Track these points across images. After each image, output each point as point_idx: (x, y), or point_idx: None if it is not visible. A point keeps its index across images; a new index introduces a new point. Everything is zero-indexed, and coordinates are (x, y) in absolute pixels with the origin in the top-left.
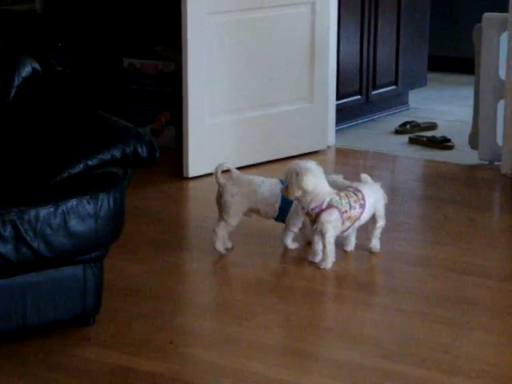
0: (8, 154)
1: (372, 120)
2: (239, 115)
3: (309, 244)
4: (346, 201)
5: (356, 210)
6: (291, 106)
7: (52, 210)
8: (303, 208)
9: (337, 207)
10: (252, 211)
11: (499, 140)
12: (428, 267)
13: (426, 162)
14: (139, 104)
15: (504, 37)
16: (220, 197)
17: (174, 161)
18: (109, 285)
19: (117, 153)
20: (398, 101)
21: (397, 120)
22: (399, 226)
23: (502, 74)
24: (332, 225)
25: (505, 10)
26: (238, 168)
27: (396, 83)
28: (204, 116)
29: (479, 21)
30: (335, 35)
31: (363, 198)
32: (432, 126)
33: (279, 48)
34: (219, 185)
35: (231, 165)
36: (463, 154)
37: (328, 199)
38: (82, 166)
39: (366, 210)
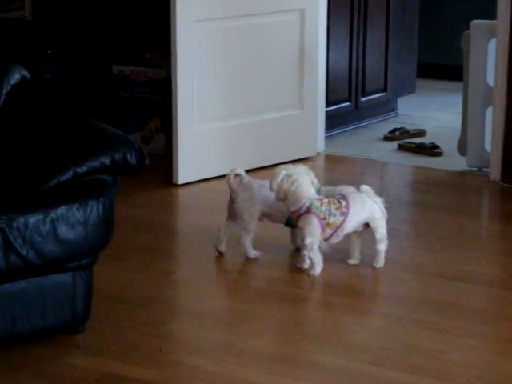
0: None
1: (361, 127)
2: (228, 122)
3: (297, 250)
4: (327, 207)
5: (336, 217)
6: (281, 112)
7: (41, 217)
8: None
9: (315, 213)
10: (264, 216)
11: (488, 146)
12: (417, 273)
13: (415, 169)
14: (129, 111)
15: (492, 44)
16: (232, 202)
17: (164, 168)
18: (98, 292)
19: (106, 160)
20: (387, 108)
21: (386, 127)
22: (388, 232)
23: (490, 81)
24: (309, 230)
25: (493, 17)
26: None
27: (385, 90)
28: (193, 123)
29: (467, 28)
30: (324, 42)
31: (346, 207)
32: (421, 133)
33: (268, 55)
34: (231, 190)
35: (241, 170)
36: (452, 161)
37: (307, 204)
38: (71, 173)
39: (348, 219)
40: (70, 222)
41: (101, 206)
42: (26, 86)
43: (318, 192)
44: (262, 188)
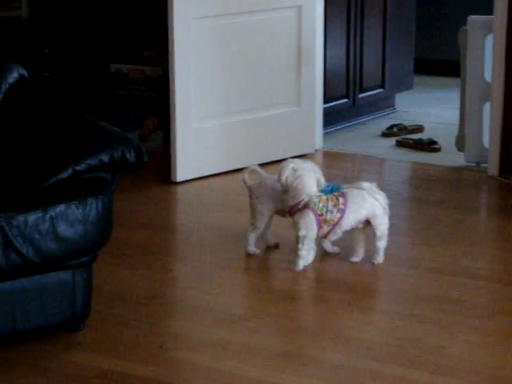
0: None
1: (359, 123)
2: (226, 119)
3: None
4: (324, 204)
5: (333, 214)
6: (278, 109)
7: (40, 215)
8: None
9: (312, 209)
10: (278, 213)
11: (485, 142)
12: (416, 269)
13: (414, 165)
14: (126, 109)
15: (489, 39)
16: (249, 198)
17: (162, 165)
18: (98, 290)
19: (105, 158)
20: (384, 104)
21: (384, 123)
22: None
23: (488, 77)
24: (304, 224)
25: (490, 12)
26: (227, 172)
27: (383, 86)
28: (191, 121)
29: (464, 23)
30: (322, 39)
31: (344, 204)
32: (419, 129)
33: (266, 52)
34: (247, 188)
35: (257, 167)
36: (450, 156)
37: (306, 200)
38: (70, 171)
39: (346, 216)
40: (69, 219)
41: (100, 204)
42: (24, 85)
43: (331, 190)
44: (277, 184)
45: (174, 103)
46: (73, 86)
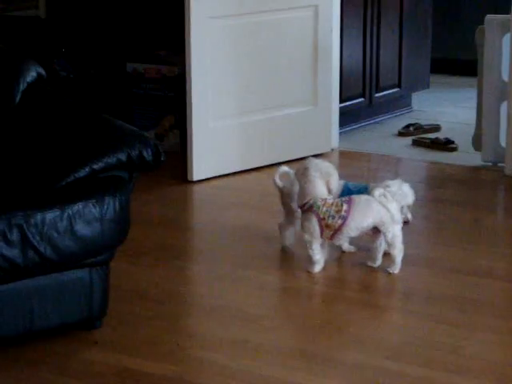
0: (14, 158)
1: (375, 122)
2: (242, 119)
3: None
4: (328, 209)
5: (335, 220)
6: (295, 109)
7: (58, 213)
8: None
9: (314, 212)
10: None
11: (502, 141)
12: (433, 268)
13: (430, 164)
14: (143, 108)
15: (506, 38)
16: (280, 198)
17: (179, 165)
18: (115, 288)
19: (122, 156)
20: (401, 103)
21: (400, 122)
22: (404, 227)
23: (505, 76)
24: (307, 228)
25: (507, 11)
26: (242, 171)
27: (399, 86)
28: (207, 120)
29: (481, 23)
30: (338, 38)
31: (347, 211)
32: (435, 128)
33: (282, 51)
34: (278, 188)
35: (287, 168)
36: (467, 156)
37: (311, 202)
38: (87, 169)
39: (347, 223)
40: (86, 218)
41: (117, 203)
42: (42, 84)
43: (359, 190)
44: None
45: (190, 102)
46: (90, 85)
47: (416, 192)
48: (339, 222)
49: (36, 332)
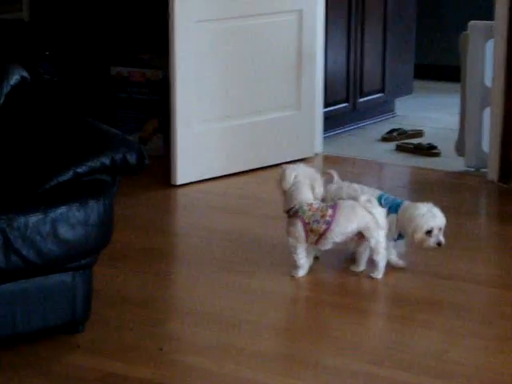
0: None
1: (359, 127)
2: (227, 123)
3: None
4: (313, 213)
5: (319, 224)
6: (279, 113)
7: (41, 217)
8: None
9: (300, 217)
10: None
11: (485, 147)
12: (415, 273)
13: (413, 169)
14: (127, 112)
15: (490, 44)
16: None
17: (162, 168)
18: (98, 292)
19: (106, 160)
20: (384, 108)
21: (384, 127)
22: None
23: (488, 82)
24: (292, 232)
25: (490, 17)
26: (227, 176)
27: (383, 91)
28: (192, 124)
29: (465, 29)
30: (322, 43)
31: (332, 216)
32: (418, 134)
33: (267, 56)
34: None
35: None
36: (450, 161)
37: (296, 207)
38: (71, 173)
39: (331, 228)
40: (70, 222)
41: (101, 206)
42: (25, 87)
43: (390, 208)
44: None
45: (174, 106)
46: (73, 88)
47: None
48: (324, 226)
49: (19, 336)
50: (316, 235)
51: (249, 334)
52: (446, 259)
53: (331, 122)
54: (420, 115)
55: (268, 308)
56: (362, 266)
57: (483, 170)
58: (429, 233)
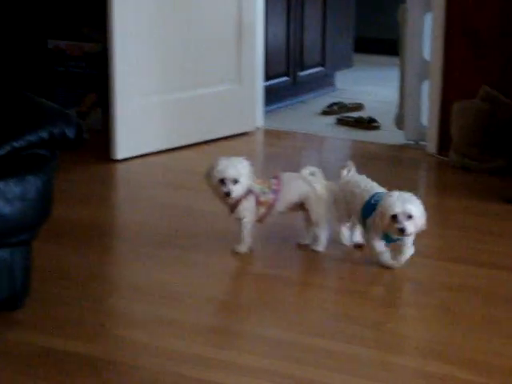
0: None
1: (300, 101)
2: (167, 96)
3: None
4: (260, 186)
5: (268, 195)
6: (219, 87)
7: None
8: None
9: (253, 193)
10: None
11: (424, 120)
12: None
13: (354, 143)
14: (65, 86)
15: (428, 17)
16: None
17: (102, 143)
18: (38, 268)
19: (44, 134)
20: (325, 82)
21: (324, 101)
22: None
23: (426, 55)
24: (247, 209)
25: None
26: (167, 150)
27: (323, 64)
28: (131, 97)
29: (403, 1)
30: (262, 16)
31: (277, 185)
32: (359, 107)
33: (206, 29)
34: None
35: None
36: (389, 135)
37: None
38: (8, 147)
39: (279, 198)
40: (7, 196)
41: (39, 181)
42: None
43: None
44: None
45: (113, 80)
46: (9, 62)
47: (339, 170)
48: (272, 197)
49: None
50: (265, 207)
51: (191, 308)
52: None
53: (272, 96)
54: (360, 89)
55: (209, 282)
56: (307, 239)
57: (422, 142)
58: (394, 218)
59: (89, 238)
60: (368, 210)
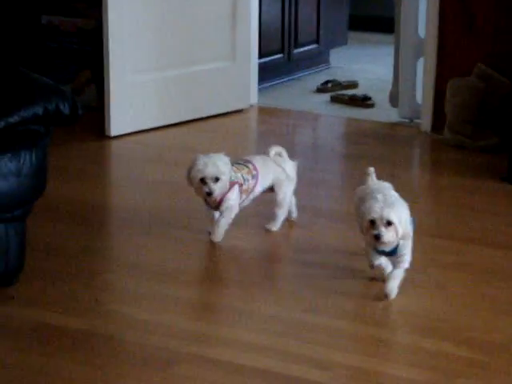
0: None
1: (294, 79)
2: (162, 73)
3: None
4: (240, 174)
5: (249, 181)
6: (213, 64)
7: None
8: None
9: (237, 182)
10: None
11: (419, 98)
12: (348, 223)
13: (348, 120)
14: (59, 62)
15: None
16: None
17: (96, 120)
18: (32, 244)
19: (39, 110)
20: (319, 59)
21: (318, 79)
22: (320, 182)
23: (421, 33)
24: (234, 199)
25: None
26: (161, 127)
27: (317, 42)
28: (125, 74)
29: None
30: None
31: (255, 169)
32: (353, 85)
33: (201, 5)
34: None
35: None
36: (384, 112)
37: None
38: (2, 123)
39: (258, 182)
40: (1, 172)
41: (34, 157)
42: None
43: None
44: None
45: (107, 56)
46: (2, 37)
47: (333, 148)
48: (252, 182)
49: None
50: (247, 194)
51: (184, 284)
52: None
53: (266, 73)
54: (354, 66)
55: (202, 258)
56: (294, 214)
57: (417, 120)
58: (372, 224)
59: (83, 214)
60: None
